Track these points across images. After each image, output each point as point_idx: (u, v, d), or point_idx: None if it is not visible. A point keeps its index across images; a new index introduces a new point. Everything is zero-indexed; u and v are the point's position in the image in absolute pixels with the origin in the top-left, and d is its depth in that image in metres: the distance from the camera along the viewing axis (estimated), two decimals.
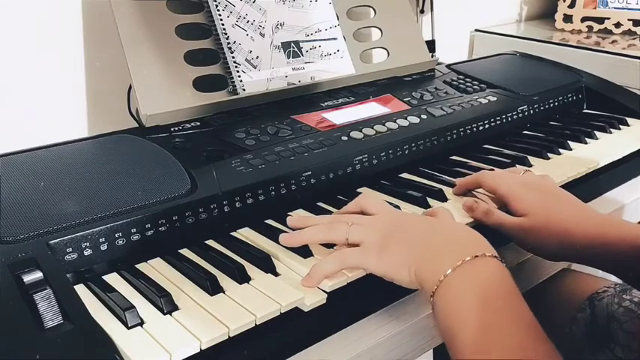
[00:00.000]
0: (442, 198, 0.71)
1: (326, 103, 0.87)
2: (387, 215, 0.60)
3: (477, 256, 0.50)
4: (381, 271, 0.54)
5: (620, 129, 0.98)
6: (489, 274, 0.50)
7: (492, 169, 0.79)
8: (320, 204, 0.71)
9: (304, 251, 0.59)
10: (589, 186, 0.81)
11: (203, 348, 0.47)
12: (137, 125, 0.77)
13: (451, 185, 0.74)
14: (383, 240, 0.55)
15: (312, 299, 0.53)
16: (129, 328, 0.48)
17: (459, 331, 0.46)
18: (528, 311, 0.47)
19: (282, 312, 0.51)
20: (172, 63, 0.79)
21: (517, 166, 0.81)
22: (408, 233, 0.56)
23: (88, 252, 0.55)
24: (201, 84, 0.81)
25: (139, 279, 0.55)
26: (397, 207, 0.68)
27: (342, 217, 0.60)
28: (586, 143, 0.91)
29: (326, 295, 0.54)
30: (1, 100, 0.83)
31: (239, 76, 0.84)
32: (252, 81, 0.85)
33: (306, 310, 0.53)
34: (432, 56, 1.12)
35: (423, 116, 0.86)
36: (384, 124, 0.82)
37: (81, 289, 0.54)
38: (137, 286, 0.54)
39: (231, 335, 0.48)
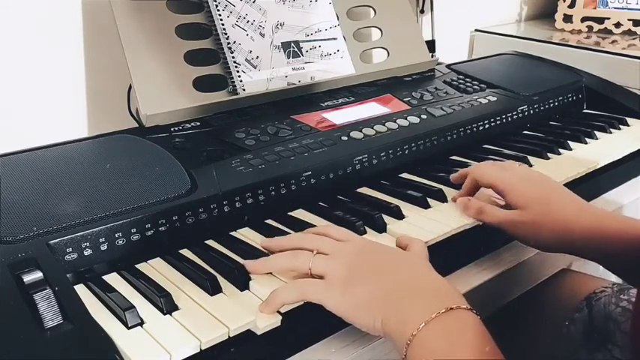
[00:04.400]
0: (442, 198, 0.71)
1: (326, 103, 0.87)
2: (353, 244, 0.56)
3: (452, 308, 0.47)
4: (341, 314, 0.50)
5: (620, 129, 0.98)
6: (466, 329, 0.47)
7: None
8: (320, 204, 0.71)
9: None
10: (589, 186, 0.81)
11: (203, 348, 0.47)
12: (137, 125, 0.77)
13: (451, 185, 0.74)
14: (347, 276, 0.51)
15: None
16: (129, 328, 0.48)
17: None
18: None
19: (282, 312, 0.51)
20: (172, 63, 0.79)
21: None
22: (375, 273, 0.52)
23: (88, 252, 0.55)
24: (201, 84, 0.81)
25: (139, 279, 0.55)
26: (397, 207, 0.68)
27: (308, 241, 0.56)
28: (586, 143, 0.91)
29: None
30: (1, 99, 0.83)
31: (239, 76, 0.84)
32: (252, 81, 0.85)
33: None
34: (432, 56, 1.12)
35: (423, 116, 0.86)
36: (384, 124, 0.82)
37: (81, 289, 0.54)
38: (137, 286, 0.54)
39: (231, 335, 0.49)
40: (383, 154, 0.77)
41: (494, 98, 0.96)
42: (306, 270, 0.53)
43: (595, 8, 1.51)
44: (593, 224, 0.61)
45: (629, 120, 1.01)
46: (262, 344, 0.50)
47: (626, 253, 0.59)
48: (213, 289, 0.53)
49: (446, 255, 0.62)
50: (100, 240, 0.55)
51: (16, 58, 0.83)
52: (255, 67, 0.86)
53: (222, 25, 0.85)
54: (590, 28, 1.51)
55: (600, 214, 0.63)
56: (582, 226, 0.61)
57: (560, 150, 0.88)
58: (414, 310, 0.48)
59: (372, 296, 0.50)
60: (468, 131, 0.87)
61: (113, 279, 0.56)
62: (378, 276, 0.52)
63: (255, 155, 0.70)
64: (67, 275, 0.53)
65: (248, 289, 0.54)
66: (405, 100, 0.91)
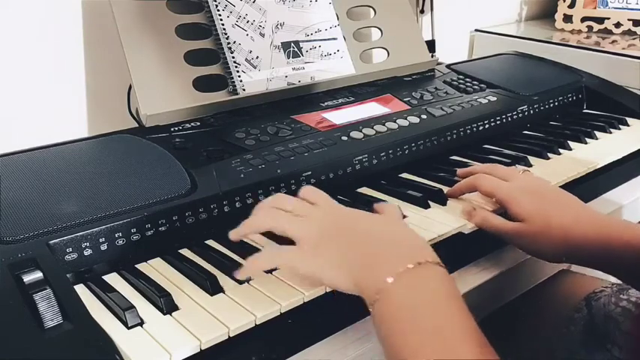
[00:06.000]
0: (442, 198, 0.71)
1: (326, 103, 0.87)
2: (327, 208, 0.56)
3: (420, 263, 0.47)
4: (316, 276, 0.51)
5: (620, 129, 0.98)
6: (433, 283, 0.47)
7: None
8: None
9: None
10: (589, 186, 0.81)
11: (203, 348, 0.47)
12: (137, 125, 0.77)
13: (451, 185, 0.74)
14: (318, 238, 0.52)
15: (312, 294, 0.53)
16: (129, 328, 0.48)
17: (401, 345, 0.43)
18: (472, 320, 0.45)
19: (282, 312, 0.51)
20: (172, 63, 0.80)
21: (517, 166, 0.81)
22: (347, 232, 0.52)
23: (88, 252, 0.55)
24: (201, 84, 0.81)
25: (139, 279, 0.55)
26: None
27: (283, 202, 0.56)
28: (586, 143, 0.91)
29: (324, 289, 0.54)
30: (1, 99, 0.83)
31: (239, 76, 0.84)
32: (252, 81, 0.85)
33: (305, 300, 0.53)
34: (432, 56, 1.12)
35: (423, 116, 0.86)
36: (384, 124, 0.82)
37: (81, 289, 0.54)
38: (137, 286, 0.54)
39: (231, 335, 0.49)
40: (383, 154, 0.77)
41: (494, 98, 0.96)
42: (282, 230, 0.54)
43: (595, 8, 1.51)
44: (593, 233, 0.61)
45: (629, 120, 1.01)
46: (262, 344, 0.50)
47: (629, 258, 0.59)
48: (213, 289, 0.53)
49: (446, 255, 0.62)
50: (100, 240, 0.55)
51: (17, 58, 0.83)
52: (255, 67, 0.86)
53: (222, 25, 0.85)
54: (590, 28, 1.51)
55: (601, 221, 0.62)
56: (582, 236, 0.61)
57: (560, 150, 0.88)
58: (384, 265, 0.48)
59: (342, 255, 0.50)
60: (468, 131, 0.87)
61: (113, 279, 0.56)
62: (348, 235, 0.52)
63: (255, 155, 0.70)
64: (67, 275, 0.53)
65: None
66: (405, 100, 0.91)
